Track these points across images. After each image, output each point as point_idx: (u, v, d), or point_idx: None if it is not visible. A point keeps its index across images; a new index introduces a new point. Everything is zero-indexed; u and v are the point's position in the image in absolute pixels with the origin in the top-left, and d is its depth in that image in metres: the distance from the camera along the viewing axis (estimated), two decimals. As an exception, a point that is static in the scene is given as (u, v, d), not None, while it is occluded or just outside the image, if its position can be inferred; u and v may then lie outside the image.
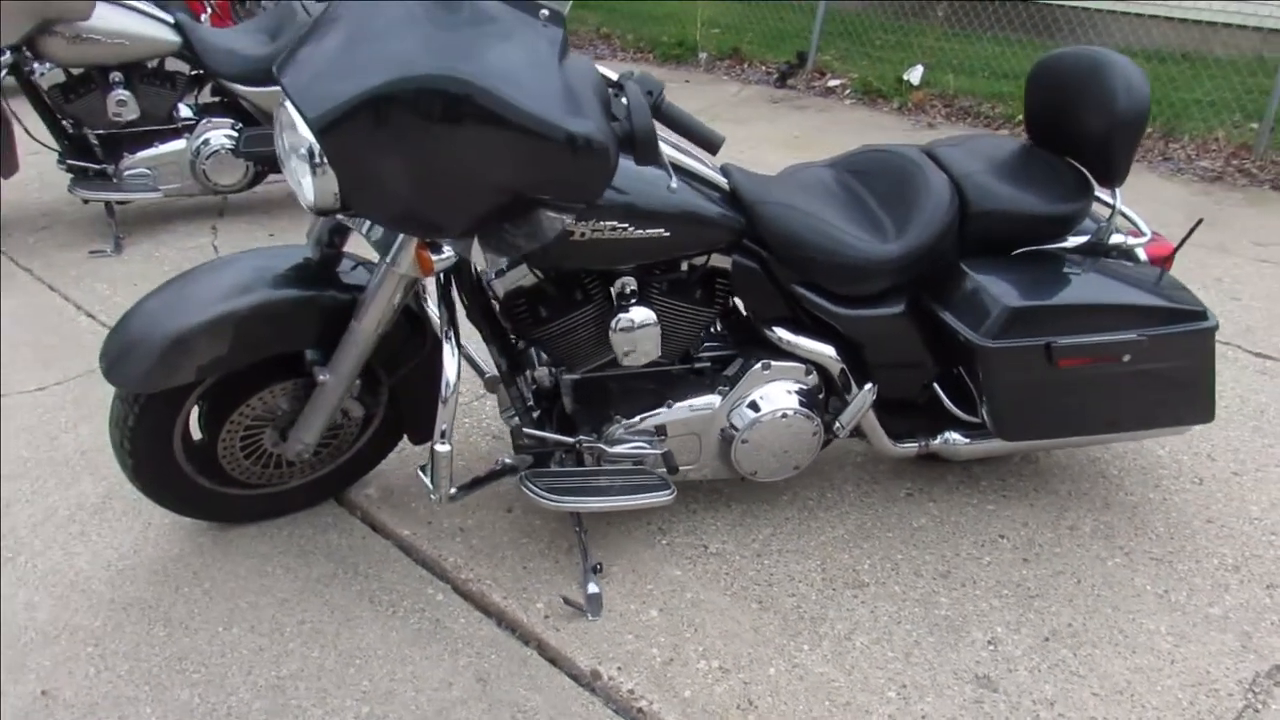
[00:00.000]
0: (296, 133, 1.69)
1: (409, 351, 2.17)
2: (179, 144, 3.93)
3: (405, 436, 2.38)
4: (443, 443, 1.93)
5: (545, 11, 1.65)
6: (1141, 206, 2.62)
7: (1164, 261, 2.31)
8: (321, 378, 2.06)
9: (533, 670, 1.97)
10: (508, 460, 2.20)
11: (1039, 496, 2.53)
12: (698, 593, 2.16)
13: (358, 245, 2.08)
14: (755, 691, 1.91)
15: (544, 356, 2.23)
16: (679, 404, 2.18)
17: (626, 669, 1.95)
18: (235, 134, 3.96)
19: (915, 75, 6.63)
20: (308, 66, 1.71)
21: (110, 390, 2.04)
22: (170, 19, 3.83)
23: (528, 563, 2.24)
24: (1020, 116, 6.01)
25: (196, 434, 2.17)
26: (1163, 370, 2.15)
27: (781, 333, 2.17)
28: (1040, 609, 2.14)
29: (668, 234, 1.95)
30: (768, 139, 5.69)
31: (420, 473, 2.05)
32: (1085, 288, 2.09)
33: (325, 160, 1.66)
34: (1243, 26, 7.00)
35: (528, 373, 2.27)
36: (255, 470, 2.24)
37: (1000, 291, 2.04)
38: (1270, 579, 2.25)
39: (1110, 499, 2.53)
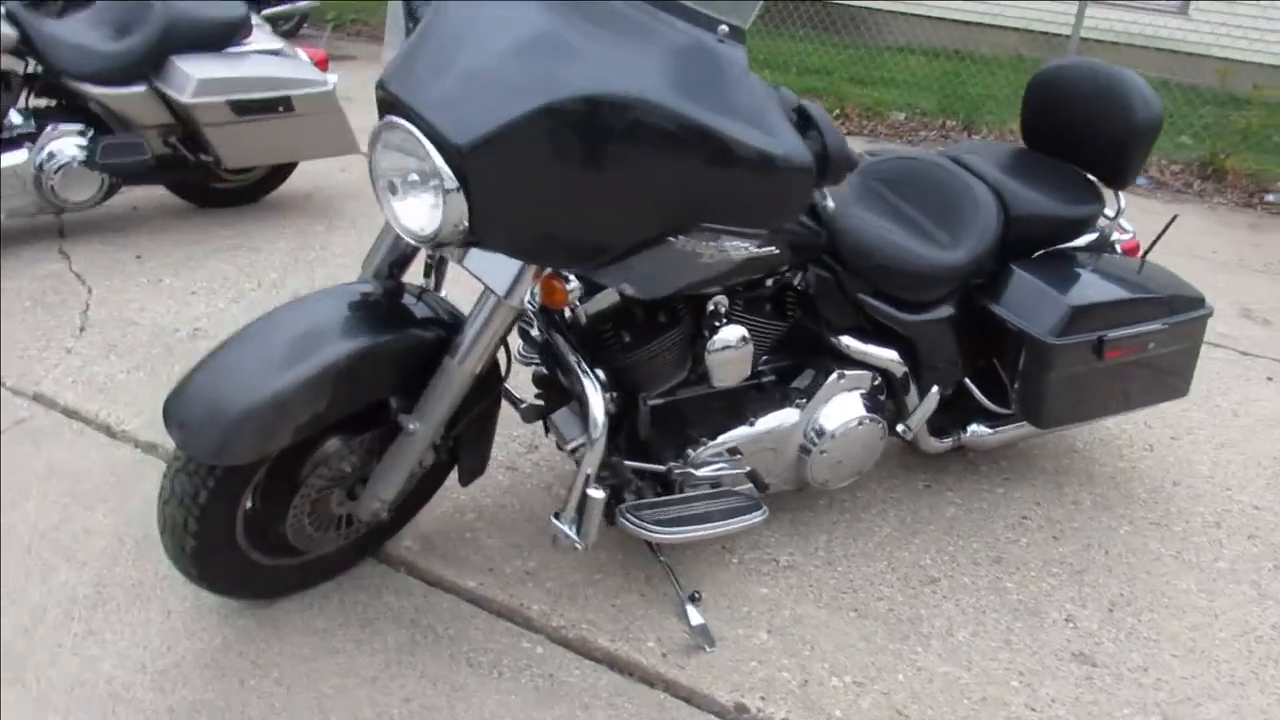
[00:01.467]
0: (415, 155, 1.51)
1: (488, 389, 2.00)
2: (18, 155, 3.37)
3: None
4: (596, 488, 1.80)
5: (724, 27, 1.57)
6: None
7: (1140, 256, 2.55)
8: (411, 426, 1.85)
9: (673, 713, 1.89)
10: (593, 493, 2.06)
11: (1034, 476, 2.72)
12: (793, 609, 2.16)
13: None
14: (899, 701, 1.94)
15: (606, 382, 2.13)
16: (761, 420, 2.15)
17: (769, 697, 1.92)
18: (86, 143, 3.45)
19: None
20: (440, 80, 1.51)
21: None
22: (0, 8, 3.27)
23: (614, 600, 2.14)
24: (836, 111, 6.39)
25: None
26: (1171, 354, 2.37)
27: (850, 341, 2.20)
28: (1091, 583, 2.32)
29: (777, 251, 1.92)
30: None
31: (555, 520, 1.90)
32: (1121, 284, 2.27)
33: (458, 187, 1.48)
34: (1004, 27, 7.78)
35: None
36: (316, 536, 1.99)
37: (1061, 291, 2.17)
38: (1248, 530, 2.55)
39: (1090, 471, 2.76)
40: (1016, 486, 2.67)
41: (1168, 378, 2.45)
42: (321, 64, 3.99)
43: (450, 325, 1.88)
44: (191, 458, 1.71)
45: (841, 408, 2.20)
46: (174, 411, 1.67)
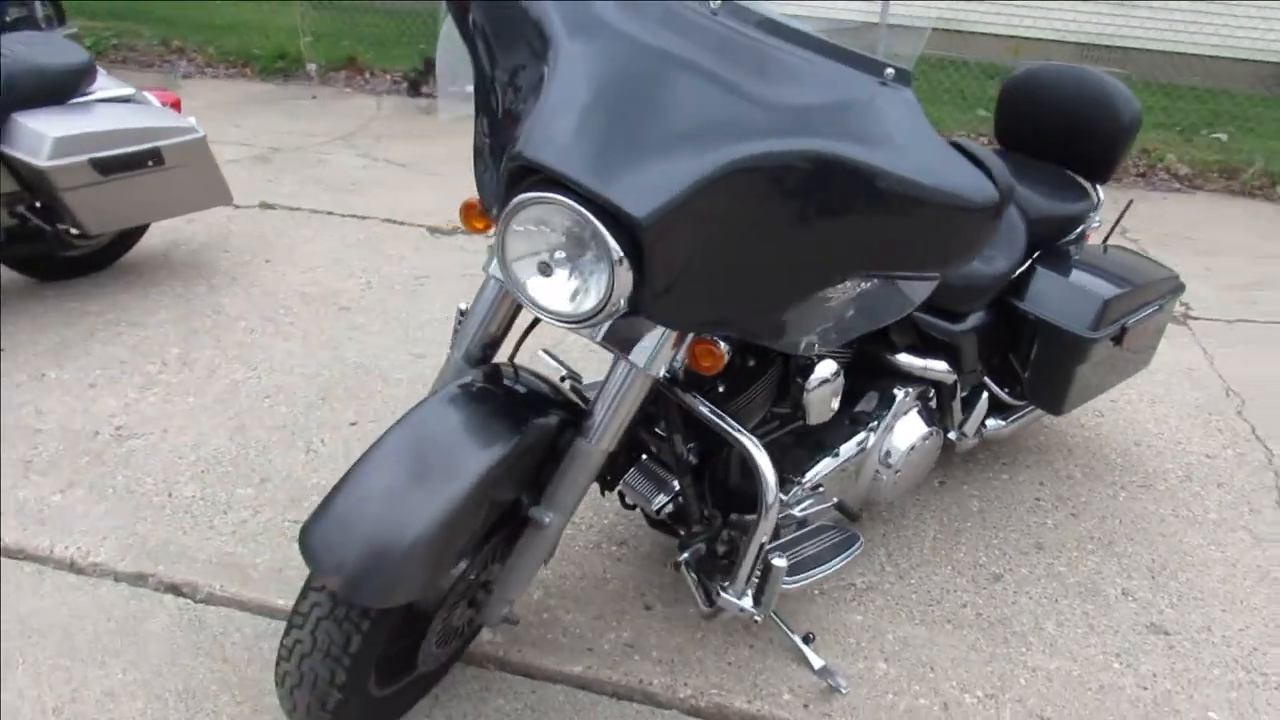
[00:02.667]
0: (571, 232, 1.38)
1: None
2: None
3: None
4: (779, 556, 1.71)
5: (890, 70, 1.52)
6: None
7: (1103, 242, 2.74)
8: (546, 518, 1.69)
9: (840, 765, 1.85)
10: (777, 561, 1.91)
11: (1024, 457, 2.87)
12: (894, 631, 2.17)
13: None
14: (1034, 706, 1.99)
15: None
16: (842, 449, 2.14)
17: (923, 728, 1.92)
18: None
19: (555, 76, 6.72)
20: (597, 145, 1.38)
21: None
22: None
23: (727, 657, 2.06)
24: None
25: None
26: (1156, 331, 2.57)
27: (907, 358, 2.22)
28: (1123, 553, 2.47)
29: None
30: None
31: (723, 594, 1.78)
32: (1126, 272, 2.42)
33: (626, 262, 1.37)
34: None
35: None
36: (437, 654, 1.79)
37: (1089, 286, 2.29)
38: (1215, 479, 2.82)
39: (1065, 444, 2.95)
40: (1015, 470, 2.80)
41: (1147, 352, 2.65)
42: (175, 107, 3.57)
43: (565, 403, 1.74)
44: (355, 604, 1.47)
45: (909, 426, 2.22)
46: (325, 556, 1.43)
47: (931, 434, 2.24)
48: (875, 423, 2.19)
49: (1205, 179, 5.93)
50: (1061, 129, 2.52)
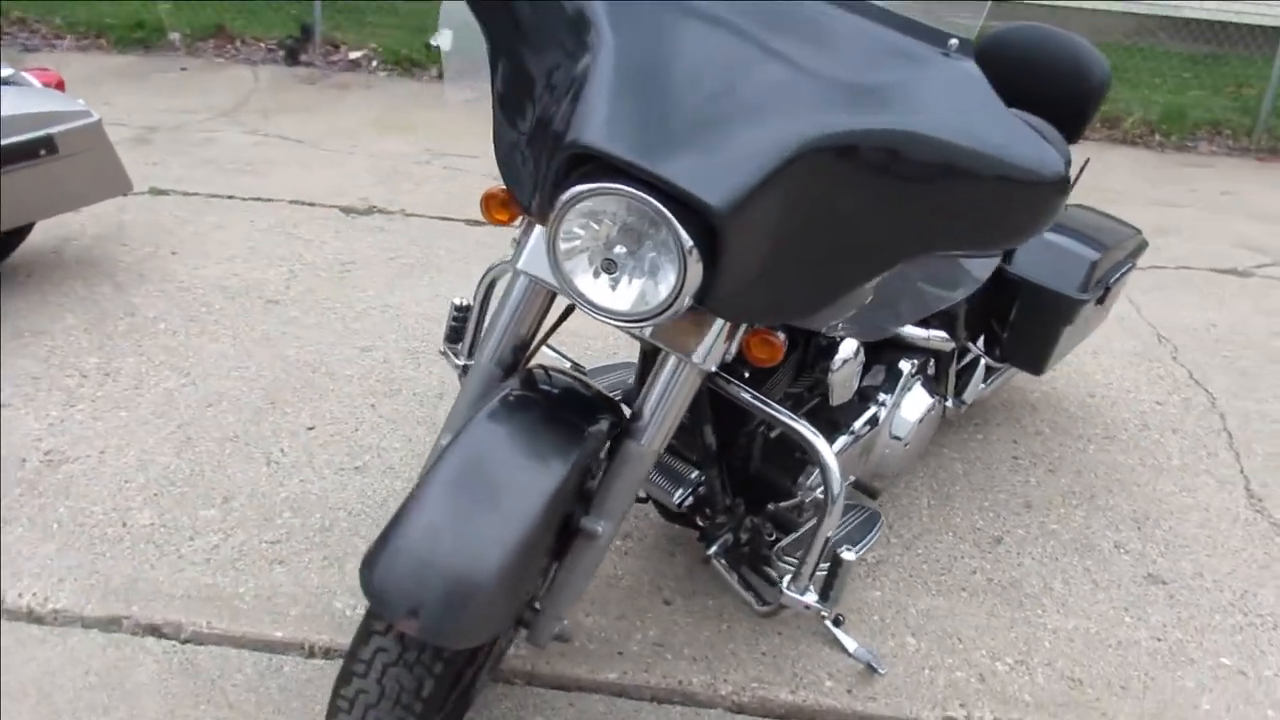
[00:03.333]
0: (635, 225, 1.29)
1: None
2: None
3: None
4: (848, 549, 1.65)
5: (954, 41, 1.46)
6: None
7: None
8: (599, 528, 1.59)
9: (893, 748, 1.84)
10: (846, 555, 1.82)
11: (992, 416, 2.92)
12: (915, 605, 2.16)
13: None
14: (1065, 668, 2.02)
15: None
16: (857, 426, 2.10)
17: (966, 703, 1.92)
18: None
19: (445, 40, 6.44)
20: (663, 130, 1.28)
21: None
22: None
23: (759, 648, 2.01)
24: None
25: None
26: (1124, 288, 2.63)
27: (911, 330, 2.20)
28: (1105, 506, 2.54)
29: None
30: (368, 125, 5.19)
31: (787, 591, 1.70)
32: (1099, 233, 2.46)
33: (697, 254, 1.28)
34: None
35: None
36: (486, 679, 1.67)
37: (1074, 249, 2.32)
38: (1170, 425, 2.93)
39: (1028, 401, 3.02)
40: (988, 429, 2.84)
41: (1111, 308, 2.71)
42: (59, 87, 3.23)
43: (607, 403, 1.63)
44: (439, 645, 1.34)
45: (916, 398, 2.20)
46: (398, 598, 1.29)
47: (935, 404, 2.23)
48: (884, 397, 2.16)
49: (1090, 129, 6.15)
50: (1032, 90, 2.52)
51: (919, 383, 2.22)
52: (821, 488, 1.96)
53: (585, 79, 1.35)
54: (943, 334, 2.26)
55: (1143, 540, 2.41)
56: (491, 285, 1.96)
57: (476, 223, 4.02)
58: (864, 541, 1.99)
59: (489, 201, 1.63)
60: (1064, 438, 2.82)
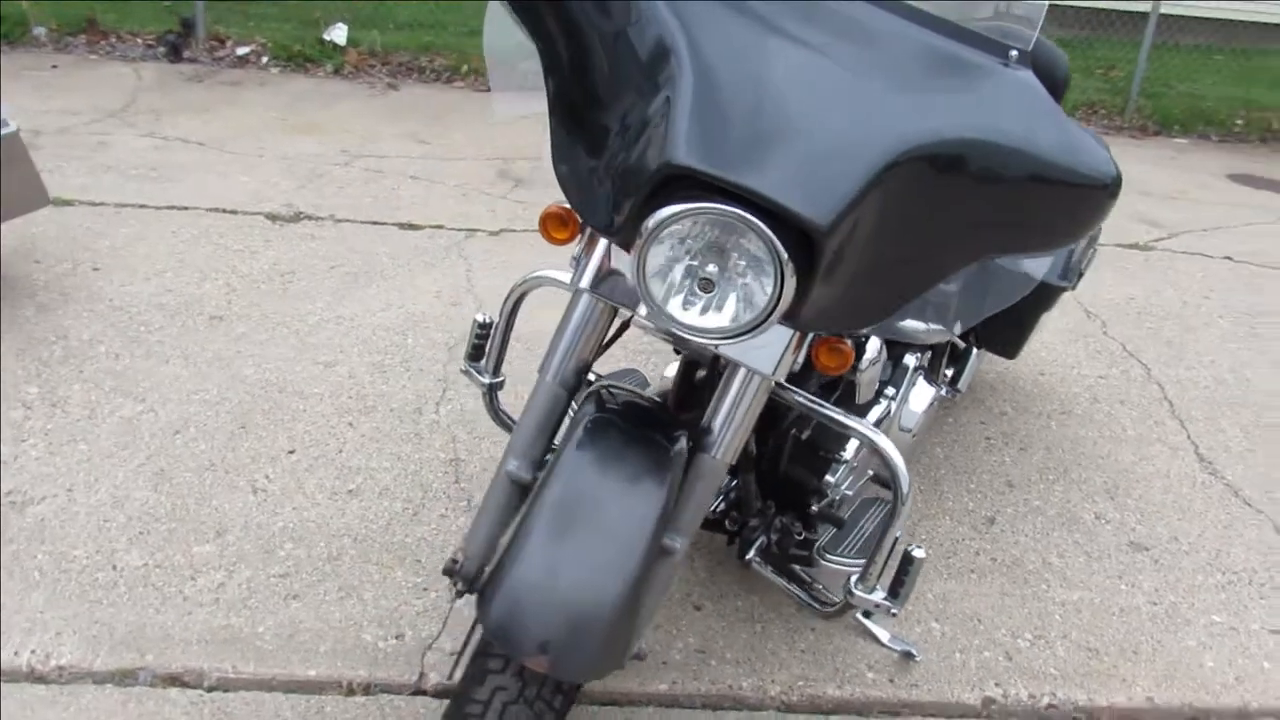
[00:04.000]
0: (729, 243, 1.30)
1: None
2: None
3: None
4: (918, 547, 1.68)
5: (1014, 52, 1.50)
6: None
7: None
8: (676, 544, 1.58)
9: (942, 732, 1.90)
10: (917, 552, 1.84)
11: (957, 399, 3.03)
12: (931, 590, 2.23)
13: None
14: (1079, 639, 2.12)
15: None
16: (873, 424, 2.15)
17: (1001, 682, 2.00)
18: None
19: (339, 35, 6.23)
20: (760, 148, 1.29)
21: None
22: None
23: (798, 646, 2.05)
24: (464, 69, 6.16)
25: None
26: (1083, 270, 2.77)
27: (912, 323, 2.26)
28: (1078, 479, 2.68)
29: None
30: (273, 125, 4.97)
31: (856, 591, 1.72)
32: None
33: (791, 270, 1.30)
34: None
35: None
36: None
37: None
38: (1118, 398, 3.10)
39: (986, 382, 3.14)
40: (956, 413, 2.95)
41: (1067, 289, 2.85)
42: (-38, 96, 2.97)
43: (671, 417, 1.63)
44: (567, 681, 1.31)
45: (920, 390, 2.26)
46: (525, 637, 1.26)
47: (936, 395, 2.29)
48: (892, 391, 2.21)
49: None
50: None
51: (922, 376, 2.28)
52: (848, 483, 2.02)
53: (670, 98, 1.34)
54: (940, 326, 2.33)
55: (1119, 510, 2.55)
56: (519, 302, 1.91)
57: (411, 226, 3.91)
58: (895, 531, 2.03)
59: (548, 220, 1.58)
60: (1026, 416, 2.95)
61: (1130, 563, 2.36)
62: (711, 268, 1.36)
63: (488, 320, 1.97)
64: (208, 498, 2.29)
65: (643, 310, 1.52)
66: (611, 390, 1.60)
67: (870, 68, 1.38)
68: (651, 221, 1.31)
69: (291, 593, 2.04)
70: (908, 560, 1.67)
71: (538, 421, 1.58)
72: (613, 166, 1.42)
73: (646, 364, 2.88)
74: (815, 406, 1.66)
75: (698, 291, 1.37)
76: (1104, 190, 1.53)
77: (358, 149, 4.74)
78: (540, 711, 1.35)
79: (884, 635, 2.04)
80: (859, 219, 1.30)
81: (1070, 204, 1.52)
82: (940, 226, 1.43)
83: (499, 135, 5.09)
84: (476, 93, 6.04)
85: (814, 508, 1.91)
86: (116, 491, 2.28)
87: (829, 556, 1.91)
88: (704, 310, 1.38)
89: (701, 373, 1.76)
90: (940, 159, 1.35)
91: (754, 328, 1.35)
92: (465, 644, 1.55)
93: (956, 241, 1.48)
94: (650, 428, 1.53)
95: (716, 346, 1.50)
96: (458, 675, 1.50)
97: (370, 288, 3.36)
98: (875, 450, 1.66)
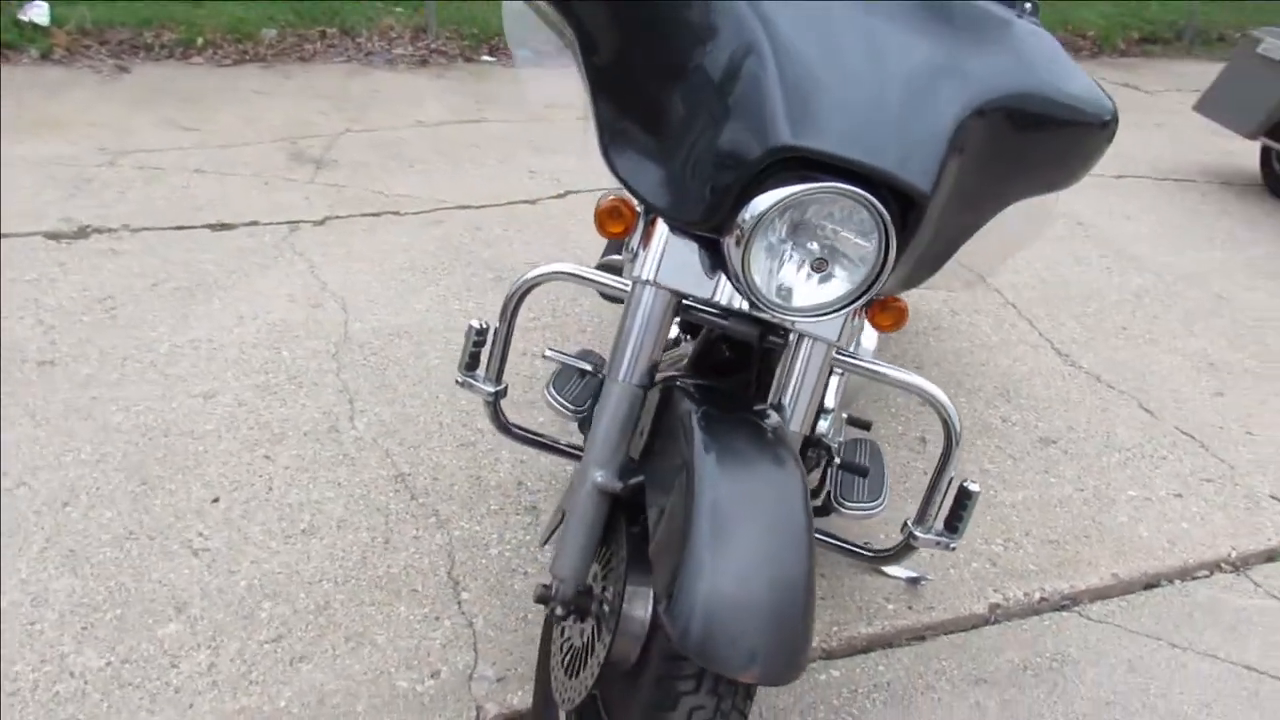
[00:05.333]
0: (839, 220, 1.33)
1: None
2: None
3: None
4: (972, 482, 1.76)
5: (1028, 4, 1.57)
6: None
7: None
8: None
9: (938, 650, 2.04)
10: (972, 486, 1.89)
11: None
12: (895, 517, 2.37)
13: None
14: (1040, 533, 2.34)
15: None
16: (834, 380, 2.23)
17: (998, 587, 2.17)
18: None
19: (40, 14, 5.43)
20: (856, 121, 1.31)
21: None
22: None
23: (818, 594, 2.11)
24: (200, 41, 5.60)
25: None
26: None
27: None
28: (973, 388, 2.92)
29: None
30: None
31: (917, 532, 1.77)
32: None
33: (895, 238, 1.36)
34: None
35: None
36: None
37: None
38: (970, 308, 3.39)
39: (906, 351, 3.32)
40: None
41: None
42: None
43: (747, 399, 1.62)
44: (758, 686, 1.28)
45: (868, 329, 2.36)
46: (732, 652, 1.21)
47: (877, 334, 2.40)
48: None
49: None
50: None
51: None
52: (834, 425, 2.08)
53: (756, 79, 1.32)
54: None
55: (1018, 410, 2.81)
56: (521, 301, 1.80)
57: (223, 226, 3.54)
58: (885, 470, 2.13)
59: (611, 214, 1.50)
60: (907, 336, 3.16)
61: (1047, 457, 2.61)
62: (813, 245, 1.35)
63: (484, 326, 1.84)
64: (144, 571, 2.01)
65: (719, 294, 1.48)
66: (682, 383, 1.55)
67: (918, 31, 1.41)
68: (763, 206, 1.29)
69: (296, 655, 1.85)
70: (964, 495, 1.76)
71: (619, 427, 1.51)
72: (697, 156, 1.37)
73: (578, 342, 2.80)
74: (873, 367, 1.70)
75: (811, 271, 1.36)
76: (1108, 127, 1.65)
77: (117, 145, 4.19)
78: (730, 714, 1.32)
79: (889, 568, 2.14)
80: (945, 181, 1.34)
81: (1083, 142, 1.63)
82: (986, 176, 1.49)
83: (269, 113, 4.69)
84: (220, 68, 5.49)
85: (836, 461, 1.95)
86: (28, 587, 1.95)
87: (847, 504, 1.97)
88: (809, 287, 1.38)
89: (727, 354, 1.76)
90: (994, 112, 1.41)
91: (858, 298, 1.37)
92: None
93: (997, 188, 1.56)
94: (744, 412, 1.51)
95: (795, 323, 1.50)
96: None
97: (211, 302, 3.02)
98: (929, 400, 1.73)
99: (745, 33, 1.34)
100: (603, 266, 2.00)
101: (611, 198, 1.50)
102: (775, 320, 1.46)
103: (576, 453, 1.98)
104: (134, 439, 2.37)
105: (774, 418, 1.50)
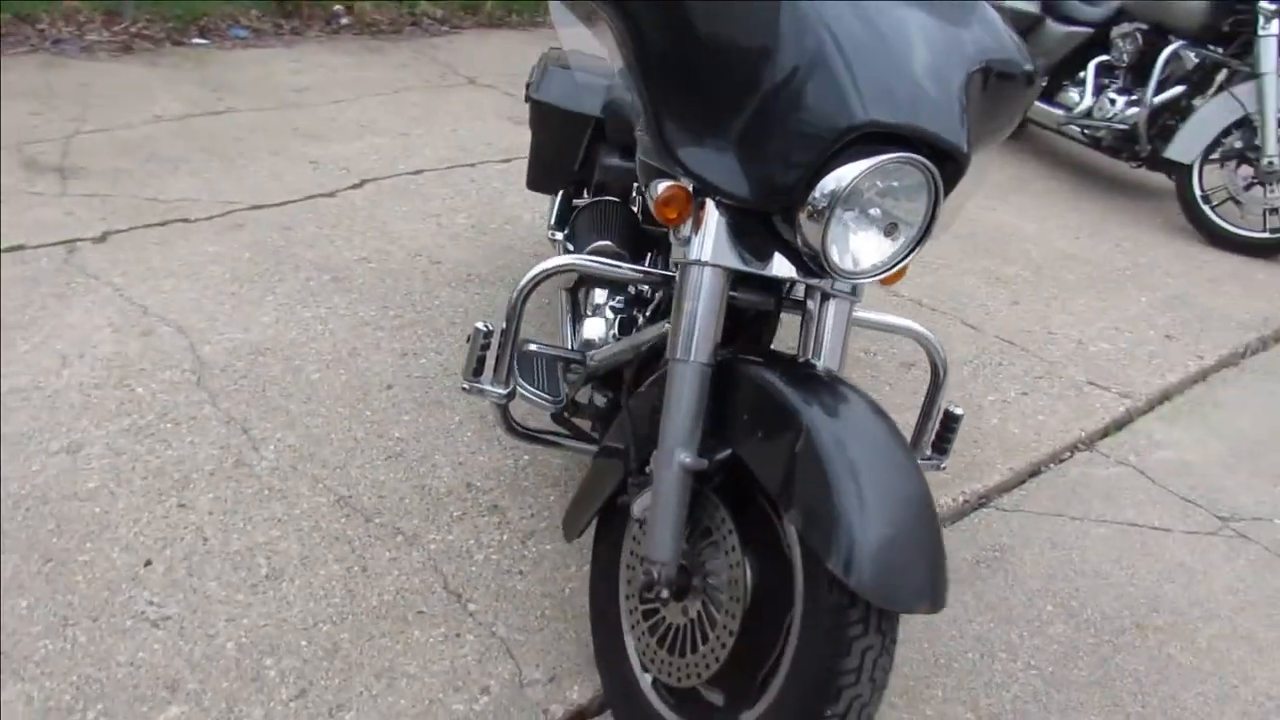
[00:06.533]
0: (903, 186, 1.49)
1: None
2: None
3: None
4: (956, 407, 1.94)
5: (978, -22, 1.74)
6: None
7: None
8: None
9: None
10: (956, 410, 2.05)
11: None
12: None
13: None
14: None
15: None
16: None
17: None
18: None
19: None
20: (908, 90, 1.45)
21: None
22: None
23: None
24: None
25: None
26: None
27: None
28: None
29: None
30: None
31: (922, 460, 1.93)
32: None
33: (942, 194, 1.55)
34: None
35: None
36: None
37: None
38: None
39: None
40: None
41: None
42: None
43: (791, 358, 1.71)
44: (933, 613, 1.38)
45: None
46: (905, 588, 1.32)
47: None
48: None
49: (458, 18, 6.53)
50: None
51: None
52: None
53: (819, 59, 1.41)
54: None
55: (873, 342, 3.09)
56: (526, 300, 1.76)
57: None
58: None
59: (664, 204, 1.52)
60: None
61: (913, 379, 2.91)
62: (874, 211, 1.47)
63: (489, 328, 1.78)
64: (105, 657, 1.76)
65: (776, 268, 1.55)
66: (741, 356, 1.61)
67: (926, 10, 1.54)
68: (847, 179, 1.38)
69: (332, 706, 1.72)
70: (950, 419, 1.96)
71: (695, 406, 1.54)
72: (771, 139, 1.44)
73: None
74: (873, 317, 1.84)
75: (883, 234, 1.47)
76: (1034, 80, 1.88)
77: None
78: (892, 652, 1.41)
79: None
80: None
81: (1025, 93, 1.85)
82: (976, 132, 1.66)
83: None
84: None
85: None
86: (-29, 704, 1.65)
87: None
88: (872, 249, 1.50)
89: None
90: (979, 74, 1.58)
91: (906, 255, 1.51)
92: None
93: (979, 143, 1.73)
94: (810, 369, 1.59)
95: (852, 285, 1.60)
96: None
97: (15, 346, 2.61)
98: (919, 339, 1.90)
99: (801, 21, 1.41)
100: (595, 251, 1.98)
101: (669, 185, 1.52)
102: (832, 284, 1.55)
103: (587, 446, 1.98)
104: (9, 515, 2.04)
105: (829, 371, 1.59)
